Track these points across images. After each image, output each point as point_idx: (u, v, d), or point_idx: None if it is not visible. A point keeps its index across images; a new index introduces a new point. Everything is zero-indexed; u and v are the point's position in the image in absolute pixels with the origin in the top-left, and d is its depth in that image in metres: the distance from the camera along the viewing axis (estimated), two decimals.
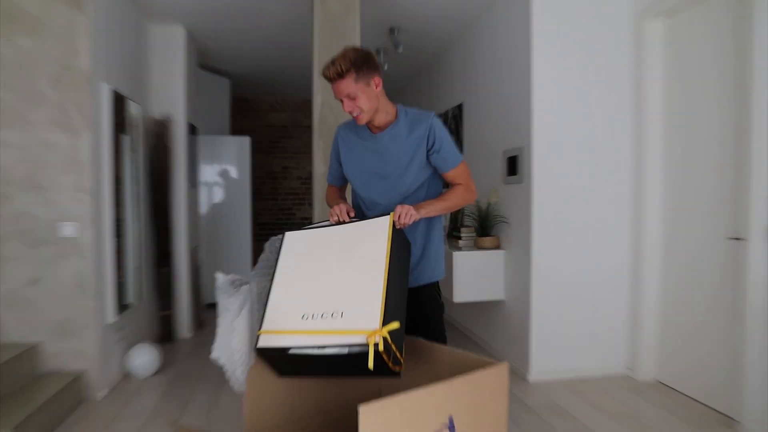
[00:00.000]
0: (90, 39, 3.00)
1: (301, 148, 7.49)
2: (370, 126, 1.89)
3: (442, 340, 1.91)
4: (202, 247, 5.25)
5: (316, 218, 3.24)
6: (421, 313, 1.89)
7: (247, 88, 6.76)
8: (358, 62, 1.71)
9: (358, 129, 1.95)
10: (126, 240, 3.53)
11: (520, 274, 3.48)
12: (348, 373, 1.45)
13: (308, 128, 7.35)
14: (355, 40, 3.28)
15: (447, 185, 1.97)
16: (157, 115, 4.19)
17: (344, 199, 1.89)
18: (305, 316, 1.40)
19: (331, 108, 3.21)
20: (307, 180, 7.47)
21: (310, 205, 6.95)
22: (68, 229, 2.98)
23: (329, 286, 1.45)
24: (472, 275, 3.68)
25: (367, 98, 1.75)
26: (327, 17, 3.27)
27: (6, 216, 2.93)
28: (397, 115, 1.88)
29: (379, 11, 4.04)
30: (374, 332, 1.27)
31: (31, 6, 2.93)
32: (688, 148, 3.07)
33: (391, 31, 4.47)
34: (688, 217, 3.07)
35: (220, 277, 1.55)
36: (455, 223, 4.66)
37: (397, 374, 1.38)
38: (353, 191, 2.04)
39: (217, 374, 3.40)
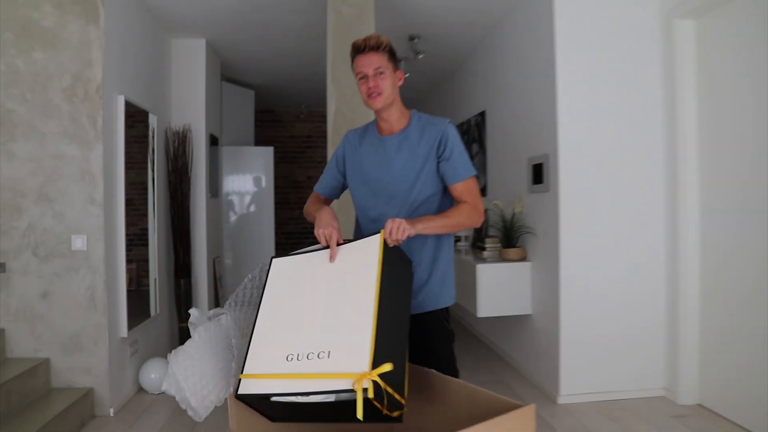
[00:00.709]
0: (103, 51, 2.90)
1: (326, 159, 7.41)
2: (379, 127, 1.76)
3: (453, 374, 1.69)
4: (224, 258, 5.19)
5: (343, 227, 3.08)
6: (428, 344, 1.69)
7: (272, 100, 6.74)
8: (392, 48, 1.68)
9: (367, 132, 1.81)
10: (147, 254, 3.42)
11: (548, 288, 3.27)
12: (340, 421, 1.25)
13: None
14: None
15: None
16: (177, 126, 4.11)
17: (331, 214, 1.63)
18: (290, 357, 1.22)
19: (345, 116, 3.05)
20: None
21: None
22: (79, 242, 2.87)
23: (316, 321, 1.28)
24: (496, 288, 3.49)
25: (392, 82, 1.67)
26: (340, 23, 3.12)
27: (18, 229, 2.84)
28: (409, 120, 1.74)
29: (397, 18, 3.87)
30: (362, 376, 1.08)
31: (46, 20, 2.85)
32: (725, 153, 2.80)
33: (411, 38, 4.32)
34: (728, 227, 2.78)
35: (194, 313, 1.37)
36: (479, 233, 4.44)
37: (398, 419, 1.16)
38: (355, 207, 1.85)
39: None
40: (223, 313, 1.54)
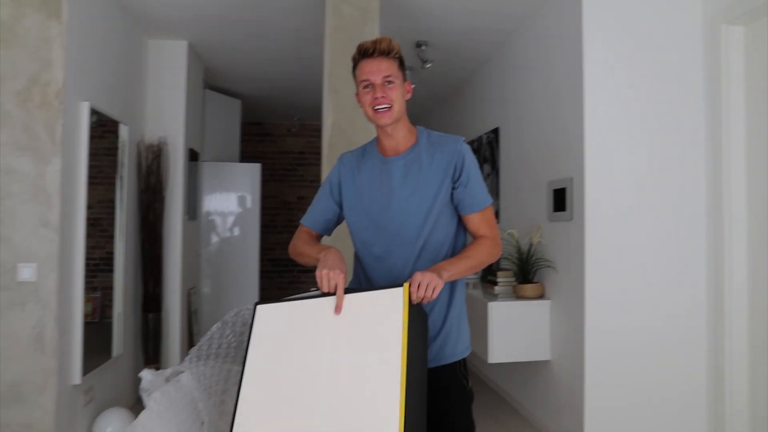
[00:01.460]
0: (65, 50, 2.71)
1: (319, 177, 7.31)
2: (382, 146, 1.63)
3: None
4: (201, 287, 4.99)
5: None
6: (442, 406, 1.53)
7: (261, 111, 6.64)
8: (402, 55, 1.58)
9: (366, 154, 1.67)
10: (112, 282, 3.19)
11: (571, 330, 3.09)
12: None
13: None
14: None
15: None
16: (152, 139, 3.92)
17: (338, 255, 1.48)
18: None
19: (343, 131, 2.87)
20: None
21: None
22: (27, 272, 2.63)
23: (323, 392, 1.20)
24: (510, 330, 3.32)
25: (401, 94, 1.56)
26: (341, 25, 2.97)
27: None
28: (417, 138, 1.62)
29: (404, 22, 3.72)
30: None
31: None
32: None
33: (418, 45, 4.18)
34: None
35: (146, 375, 1.17)
36: (490, 266, 4.21)
37: None
38: (355, 242, 1.67)
39: None
40: (182, 371, 1.37)
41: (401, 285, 1.32)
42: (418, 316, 1.33)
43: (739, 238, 2.81)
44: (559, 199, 3.21)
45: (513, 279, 3.60)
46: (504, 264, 3.96)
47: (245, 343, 1.40)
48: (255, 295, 5.31)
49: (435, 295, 1.33)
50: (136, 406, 3.55)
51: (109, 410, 3.07)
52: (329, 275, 1.35)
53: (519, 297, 3.41)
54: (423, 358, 1.34)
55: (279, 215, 7.18)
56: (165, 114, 4.02)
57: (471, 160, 1.58)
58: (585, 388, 2.89)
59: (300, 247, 1.64)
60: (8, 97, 2.67)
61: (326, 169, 2.94)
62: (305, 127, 7.26)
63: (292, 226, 7.16)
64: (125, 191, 3.54)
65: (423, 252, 1.55)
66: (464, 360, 1.61)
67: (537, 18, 3.59)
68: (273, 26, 3.84)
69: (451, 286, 1.59)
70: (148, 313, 3.78)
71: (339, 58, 2.94)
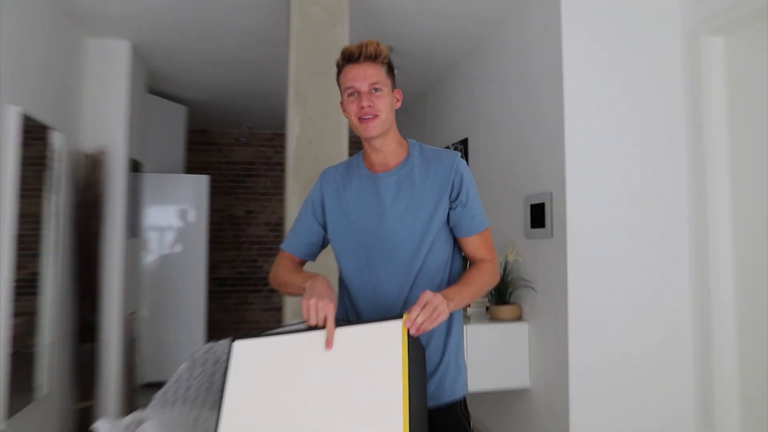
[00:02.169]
0: None
1: (270, 189, 7.26)
2: (369, 161, 1.60)
3: None
4: (143, 312, 4.79)
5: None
6: None
7: (207, 119, 6.51)
8: (391, 62, 1.55)
9: (351, 170, 1.63)
10: (36, 307, 2.97)
11: (553, 355, 3.08)
12: None
13: (278, 165, 7.24)
14: None
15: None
16: (90, 147, 3.72)
17: (327, 284, 1.42)
18: None
19: (311, 142, 2.79)
20: (277, 227, 7.20)
21: None
22: None
23: None
24: (485, 356, 3.27)
25: (390, 103, 1.53)
26: (308, 26, 2.89)
27: None
28: (408, 152, 1.59)
29: (373, 25, 3.71)
30: None
31: None
32: (762, 188, 2.70)
33: None
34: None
35: (102, 427, 1.15)
36: None
37: None
38: (341, 269, 1.61)
39: None
40: (146, 419, 1.27)
41: (398, 317, 1.27)
42: (417, 351, 1.29)
43: (725, 254, 2.88)
44: (538, 215, 3.22)
45: (487, 300, 3.58)
46: None
47: (220, 385, 1.33)
48: (200, 318, 5.16)
49: (436, 324, 1.28)
50: None
51: None
52: (318, 305, 1.30)
53: (494, 319, 3.39)
54: (423, 398, 1.30)
55: (226, 230, 7.06)
56: (104, 120, 3.85)
57: (469, 177, 1.56)
58: (570, 417, 2.87)
59: (282, 276, 1.58)
60: None
61: (292, 181, 2.86)
62: (255, 136, 7.18)
63: (239, 243, 7.11)
64: (57, 205, 3.32)
65: (418, 278, 1.51)
66: (464, 399, 1.57)
67: (512, 24, 3.62)
68: (228, 26, 3.72)
69: (448, 321, 1.56)
70: (82, 344, 3.55)
71: (305, 62, 2.85)
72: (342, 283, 1.63)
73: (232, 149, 7.16)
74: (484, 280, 1.52)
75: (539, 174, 3.25)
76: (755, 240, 2.75)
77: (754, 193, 2.76)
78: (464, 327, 3.18)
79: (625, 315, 2.97)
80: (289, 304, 2.79)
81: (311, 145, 2.81)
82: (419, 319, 1.25)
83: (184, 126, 5.66)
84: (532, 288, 3.28)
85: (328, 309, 1.29)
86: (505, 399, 3.56)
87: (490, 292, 3.53)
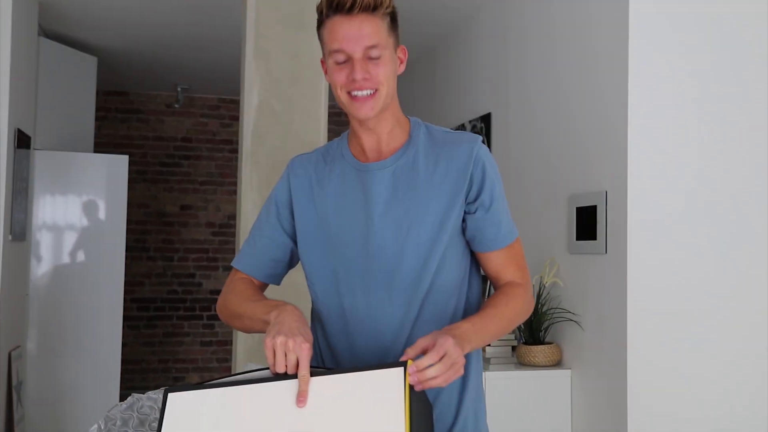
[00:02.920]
0: None
1: (215, 177, 7.37)
2: (358, 145, 1.63)
3: None
4: (29, 347, 4.80)
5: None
6: None
7: (127, 76, 6.60)
8: (395, 11, 1.54)
9: (330, 158, 1.68)
10: None
11: (605, 414, 3.16)
12: None
13: (227, 144, 7.32)
14: None
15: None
16: None
17: (298, 316, 1.45)
18: None
19: (275, 114, 2.86)
20: (224, 228, 7.28)
21: (228, 271, 6.63)
22: None
23: None
24: (510, 413, 3.36)
25: (393, 71, 1.54)
26: None
27: None
28: (411, 134, 1.63)
29: None
30: None
31: None
32: None
33: None
34: None
35: None
36: None
37: None
38: (313, 291, 1.66)
39: None
40: None
41: (397, 363, 1.29)
42: (422, 409, 1.33)
43: None
44: (587, 222, 3.28)
45: (514, 339, 3.65)
46: None
47: None
48: (114, 356, 5.17)
49: (451, 381, 1.31)
50: None
51: None
52: (287, 345, 1.31)
53: (523, 364, 3.49)
54: None
55: (151, 233, 7.14)
56: None
57: (494, 170, 1.59)
58: None
59: (235, 305, 1.62)
60: None
61: (247, 166, 2.91)
62: (193, 102, 7.28)
63: (170, 250, 7.20)
64: None
65: (424, 309, 1.54)
66: None
67: None
68: None
69: (466, 357, 1.60)
70: None
71: (270, 8, 2.87)
72: (315, 315, 1.67)
73: (162, 119, 7.23)
74: (514, 310, 1.56)
75: (590, 166, 3.32)
76: None
77: None
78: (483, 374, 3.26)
79: (705, 366, 3.03)
80: (242, 339, 2.79)
81: (277, 118, 2.86)
82: (431, 372, 1.27)
83: (93, 84, 5.69)
84: (576, 323, 3.35)
85: (301, 350, 1.31)
86: None
87: (518, 327, 3.58)
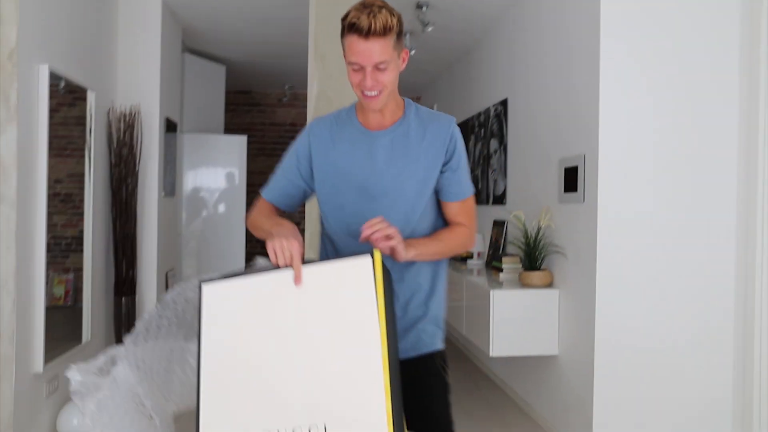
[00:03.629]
0: (17, 4, 2.64)
1: None
2: (364, 118, 1.60)
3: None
4: (181, 269, 5.00)
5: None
6: (421, 395, 1.60)
7: (249, 79, 6.59)
8: (400, 23, 1.49)
9: (341, 122, 1.64)
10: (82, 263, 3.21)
11: (581, 323, 3.06)
12: None
13: None
14: None
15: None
16: (123, 107, 3.87)
17: (292, 228, 1.48)
18: None
19: (330, 101, 2.84)
20: None
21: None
22: None
23: (295, 379, 1.21)
24: (515, 321, 3.31)
25: (395, 74, 1.51)
26: None
27: None
28: (404, 112, 1.62)
29: None
30: None
31: None
32: None
33: (418, 6, 4.10)
34: None
35: (74, 376, 1.18)
36: (495, 250, 4.19)
37: None
38: (323, 220, 1.68)
39: None
40: (119, 358, 1.33)
41: (368, 252, 1.29)
42: (388, 284, 1.34)
43: None
44: (571, 179, 3.16)
45: (519, 265, 3.60)
46: (510, 249, 3.92)
47: (195, 326, 1.37)
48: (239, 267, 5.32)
49: (383, 241, 1.38)
50: None
51: None
52: (283, 245, 1.32)
53: (525, 285, 3.40)
54: (395, 331, 1.35)
55: None
56: (137, 79, 3.96)
57: (461, 145, 1.62)
58: (594, 386, 2.87)
59: (257, 219, 1.64)
60: None
61: None
62: (297, 97, 7.22)
63: None
64: (95, 164, 3.49)
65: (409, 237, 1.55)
66: (443, 351, 1.65)
67: None
68: None
69: (434, 275, 1.63)
70: (120, 297, 3.76)
71: (325, 19, 2.88)
72: (324, 235, 1.68)
73: (275, 110, 7.24)
74: (454, 240, 1.60)
75: (573, 135, 3.18)
76: None
77: None
78: (491, 292, 3.25)
79: (659, 288, 2.90)
80: None
81: (330, 103, 2.84)
82: (375, 225, 1.38)
83: (223, 86, 5.75)
84: (563, 254, 3.25)
85: (293, 248, 1.31)
86: (534, 365, 3.58)
87: (520, 258, 3.53)
